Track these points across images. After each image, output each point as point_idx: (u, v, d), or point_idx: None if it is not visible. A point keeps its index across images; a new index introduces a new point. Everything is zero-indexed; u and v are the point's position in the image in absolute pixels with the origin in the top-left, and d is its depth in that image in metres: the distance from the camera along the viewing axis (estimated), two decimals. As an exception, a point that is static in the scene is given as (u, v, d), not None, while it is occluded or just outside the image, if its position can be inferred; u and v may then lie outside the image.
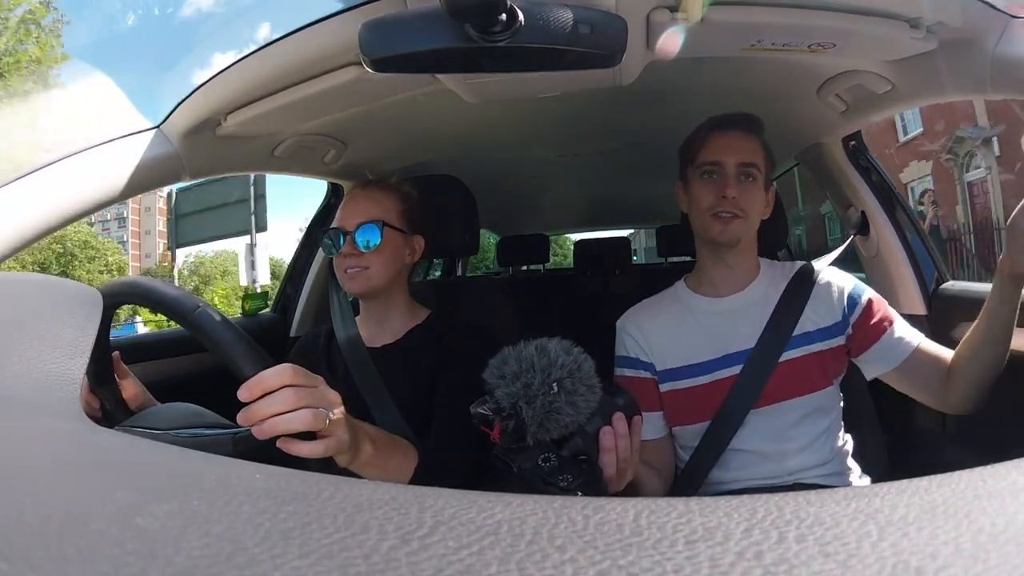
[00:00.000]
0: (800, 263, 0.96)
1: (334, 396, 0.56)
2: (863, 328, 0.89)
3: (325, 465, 0.58)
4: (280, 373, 0.52)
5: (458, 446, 0.82)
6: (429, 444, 0.81)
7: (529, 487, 0.56)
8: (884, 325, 0.89)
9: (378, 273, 0.92)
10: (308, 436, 0.53)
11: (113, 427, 0.64)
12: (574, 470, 0.56)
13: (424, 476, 0.71)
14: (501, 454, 0.58)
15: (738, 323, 0.90)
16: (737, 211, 0.87)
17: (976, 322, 0.80)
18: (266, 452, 0.54)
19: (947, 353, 0.86)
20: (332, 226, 0.94)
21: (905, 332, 0.89)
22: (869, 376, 0.91)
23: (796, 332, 0.88)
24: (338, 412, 0.55)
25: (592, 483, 0.57)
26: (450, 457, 0.79)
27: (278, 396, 0.51)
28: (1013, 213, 0.71)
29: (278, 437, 0.52)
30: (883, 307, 0.91)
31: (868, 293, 0.92)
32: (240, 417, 0.52)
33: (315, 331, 1.05)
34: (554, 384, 0.55)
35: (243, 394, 0.51)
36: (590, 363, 0.58)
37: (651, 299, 1.00)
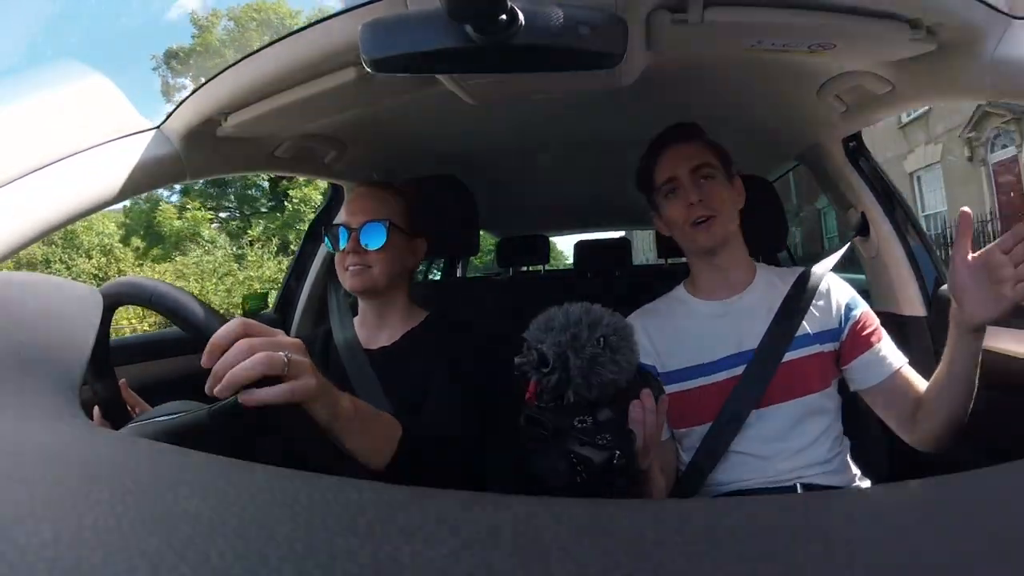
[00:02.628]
0: (800, 268, 0.98)
1: (295, 342, 0.54)
2: (854, 337, 0.90)
3: (322, 446, 0.56)
4: (230, 328, 0.51)
5: (452, 422, 0.81)
6: (421, 422, 0.80)
7: (563, 450, 0.55)
8: (873, 339, 0.90)
9: (380, 272, 0.92)
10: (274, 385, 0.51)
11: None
12: (611, 431, 0.56)
13: (412, 450, 0.69)
14: (535, 413, 0.57)
15: (739, 325, 0.91)
16: (709, 212, 0.89)
17: (940, 365, 0.79)
18: (243, 421, 0.52)
19: (923, 384, 0.86)
20: (337, 222, 0.94)
21: (890, 352, 0.90)
22: (852, 388, 0.92)
23: (797, 333, 0.89)
24: (299, 355, 0.53)
25: (627, 446, 0.57)
26: (442, 431, 0.78)
27: (232, 350, 0.50)
28: (949, 273, 0.73)
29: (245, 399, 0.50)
30: (874, 322, 0.92)
31: (863, 306, 0.93)
32: (207, 387, 0.50)
33: (313, 332, 1.05)
34: (600, 339, 0.56)
35: (204, 361, 0.50)
36: (631, 326, 0.60)
37: (651, 303, 1.01)
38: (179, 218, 14.33)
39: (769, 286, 0.94)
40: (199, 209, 14.51)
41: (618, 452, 0.55)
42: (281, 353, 0.51)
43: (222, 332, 0.51)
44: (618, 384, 0.57)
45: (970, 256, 0.70)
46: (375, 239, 0.90)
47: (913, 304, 1.17)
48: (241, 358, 0.50)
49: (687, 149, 0.92)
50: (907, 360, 0.90)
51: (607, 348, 0.56)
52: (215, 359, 0.50)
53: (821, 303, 0.92)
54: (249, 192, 15.91)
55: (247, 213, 15.90)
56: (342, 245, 0.92)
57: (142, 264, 13.64)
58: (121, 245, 14.02)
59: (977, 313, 0.71)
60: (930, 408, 0.82)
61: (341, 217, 0.95)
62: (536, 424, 0.57)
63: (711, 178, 0.90)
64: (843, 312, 0.92)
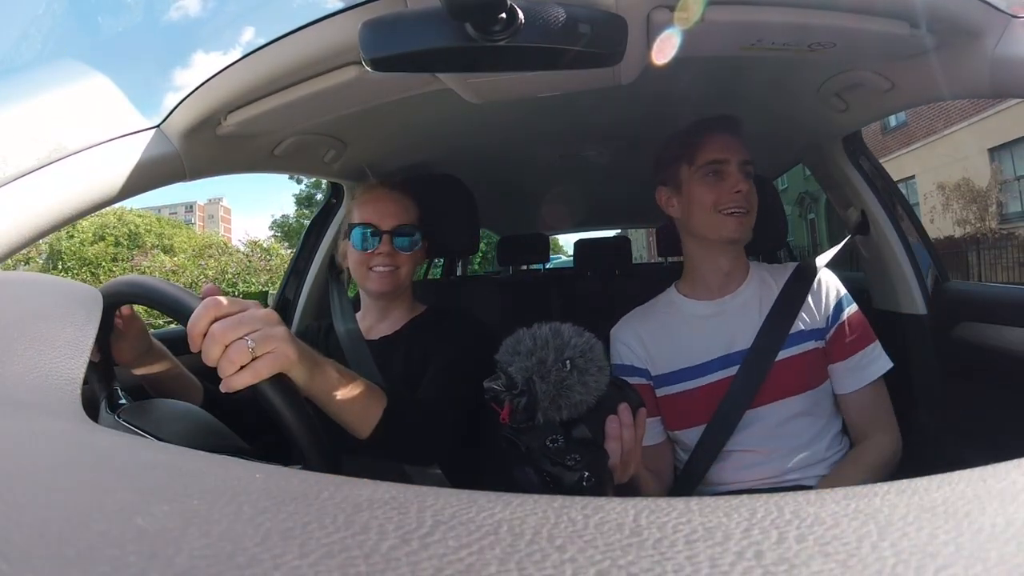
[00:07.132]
0: (795, 263, 0.97)
1: (266, 315, 0.54)
2: (837, 342, 0.90)
3: (298, 414, 0.55)
4: (203, 313, 0.52)
5: (445, 400, 0.81)
6: (419, 397, 0.81)
7: (536, 467, 0.56)
8: (854, 348, 0.90)
9: (406, 273, 0.96)
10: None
11: (114, 411, 0.64)
12: (581, 451, 0.57)
13: (397, 420, 0.68)
14: (509, 433, 0.58)
15: (732, 324, 0.91)
16: (748, 206, 0.90)
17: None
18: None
19: (887, 402, 0.90)
20: (364, 222, 0.94)
21: (869, 363, 0.89)
22: (835, 390, 0.92)
23: (791, 331, 0.89)
24: (270, 327, 0.53)
25: (598, 465, 0.58)
26: (437, 408, 0.79)
27: (211, 339, 0.51)
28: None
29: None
30: (860, 328, 0.91)
31: (851, 308, 0.92)
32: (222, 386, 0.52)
33: (314, 324, 1.07)
34: (567, 362, 0.56)
35: (192, 347, 0.52)
36: (600, 346, 0.60)
37: (643, 306, 1.01)
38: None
39: (762, 284, 0.94)
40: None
41: (587, 473, 0.56)
42: (246, 340, 0.51)
43: (196, 319, 0.52)
44: (588, 404, 0.58)
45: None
46: (408, 242, 0.94)
47: (913, 302, 1.17)
48: (216, 348, 0.51)
49: (737, 141, 0.92)
50: (891, 365, 0.90)
51: (574, 370, 0.56)
52: (198, 345, 0.52)
53: (813, 300, 0.92)
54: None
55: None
56: (372, 246, 0.93)
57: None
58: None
59: None
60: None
61: (365, 216, 0.95)
62: (511, 444, 0.58)
63: (751, 176, 0.91)
64: (831, 313, 0.91)
